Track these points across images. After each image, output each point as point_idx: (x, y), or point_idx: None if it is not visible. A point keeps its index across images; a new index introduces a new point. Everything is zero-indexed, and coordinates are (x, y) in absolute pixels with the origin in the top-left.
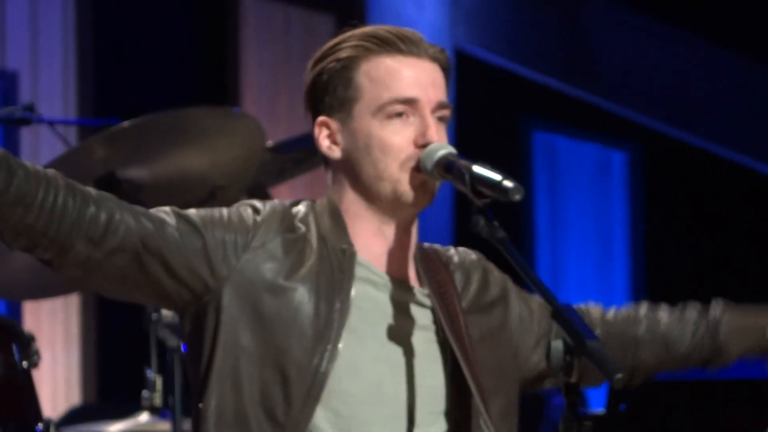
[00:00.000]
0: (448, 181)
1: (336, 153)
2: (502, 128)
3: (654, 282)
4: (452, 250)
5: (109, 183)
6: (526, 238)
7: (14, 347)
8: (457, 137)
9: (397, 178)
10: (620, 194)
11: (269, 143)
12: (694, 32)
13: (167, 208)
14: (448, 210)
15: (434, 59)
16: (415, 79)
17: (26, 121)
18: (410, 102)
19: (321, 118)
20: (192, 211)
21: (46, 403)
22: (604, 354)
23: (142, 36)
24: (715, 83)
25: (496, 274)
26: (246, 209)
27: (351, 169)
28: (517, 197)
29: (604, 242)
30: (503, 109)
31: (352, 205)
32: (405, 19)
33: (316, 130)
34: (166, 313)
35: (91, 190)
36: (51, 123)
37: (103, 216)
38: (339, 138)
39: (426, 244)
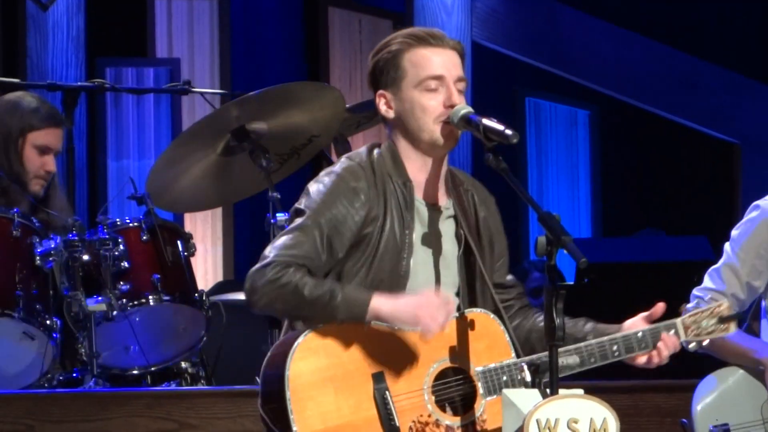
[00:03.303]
0: (468, 130)
1: (391, 114)
2: (505, 95)
3: (607, 203)
4: (475, 181)
5: (240, 132)
6: (520, 170)
7: (179, 242)
8: (474, 102)
9: (432, 128)
10: (585, 139)
11: (347, 106)
12: (639, 32)
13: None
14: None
15: (453, 48)
16: (442, 62)
17: (185, 92)
18: (439, 78)
19: (380, 92)
20: (336, 215)
21: (199, 280)
22: (574, 245)
23: (264, 34)
24: (652, 67)
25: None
26: (349, 193)
27: (402, 125)
28: (514, 141)
29: (573, 173)
30: (505, 82)
31: (404, 149)
32: (439, 22)
33: (377, 99)
34: (280, 218)
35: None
36: (202, 93)
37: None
38: (392, 104)
39: (456, 169)
